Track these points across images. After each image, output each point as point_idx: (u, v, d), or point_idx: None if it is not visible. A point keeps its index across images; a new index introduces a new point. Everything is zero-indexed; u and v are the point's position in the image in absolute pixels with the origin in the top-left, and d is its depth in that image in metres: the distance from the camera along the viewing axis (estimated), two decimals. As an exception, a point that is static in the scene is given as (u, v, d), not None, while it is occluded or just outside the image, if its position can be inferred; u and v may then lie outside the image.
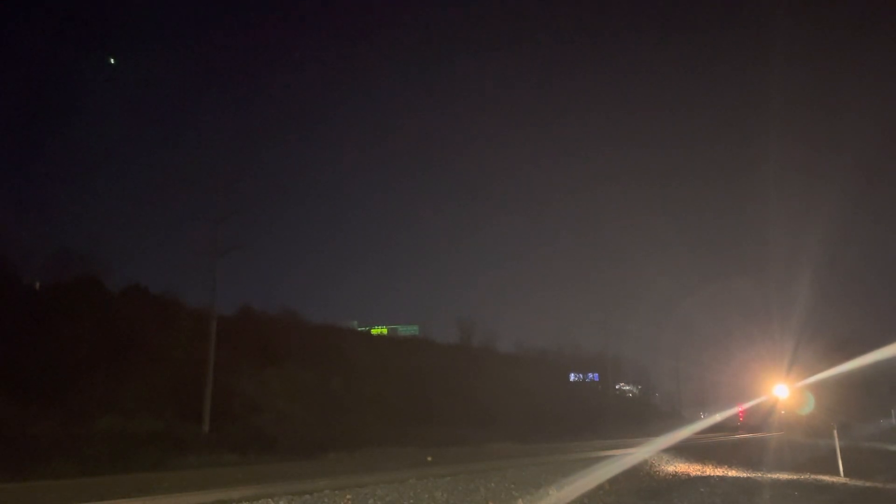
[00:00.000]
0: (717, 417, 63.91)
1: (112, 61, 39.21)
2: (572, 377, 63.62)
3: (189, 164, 50.98)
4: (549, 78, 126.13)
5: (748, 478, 16.85)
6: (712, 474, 17.12)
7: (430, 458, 19.28)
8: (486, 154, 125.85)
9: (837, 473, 18.66)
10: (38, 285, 28.38)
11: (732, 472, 17.87)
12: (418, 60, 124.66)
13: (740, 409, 65.34)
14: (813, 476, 17.54)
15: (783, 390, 40.63)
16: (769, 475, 17.51)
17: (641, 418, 56.22)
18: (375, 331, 65.79)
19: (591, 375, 65.43)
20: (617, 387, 70.98)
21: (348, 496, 9.25)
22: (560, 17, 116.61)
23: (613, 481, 13.70)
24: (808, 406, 42.23)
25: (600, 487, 12.76)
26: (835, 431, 20.90)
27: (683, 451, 21.15)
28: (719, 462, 20.04)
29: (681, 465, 18.31)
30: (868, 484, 16.63)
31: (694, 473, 16.93)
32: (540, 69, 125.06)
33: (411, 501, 9.82)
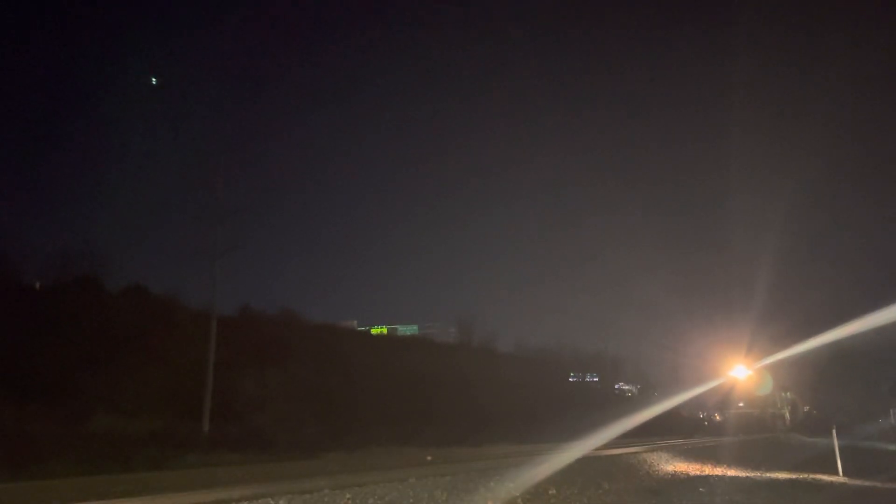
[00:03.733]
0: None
1: (154, 81, 39.36)
2: (572, 377, 63.59)
3: (189, 164, 51.02)
4: (549, 78, 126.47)
5: (747, 477, 16.87)
6: (711, 473, 17.14)
7: (429, 458, 19.30)
8: (485, 154, 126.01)
9: (836, 473, 18.68)
10: (38, 285, 28.39)
11: (731, 472, 17.89)
12: (418, 60, 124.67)
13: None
14: (812, 475, 17.56)
15: (742, 371, 39.05)
16: (768, 474, 17.54)
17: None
18: (375, 331, 65.87)
19: (589, 376, 65.39)
20: (616, 386, 70.93)
21: (348, 496, 9.27)
22: (542, 16, 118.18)
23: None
24: (766, 387, 41.00)
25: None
26: (833, 431, 20.91)
27: (683, 450, 21.16)
28: (718, 461, 20.06)
29: (680, 464, 18.33)
30: (867, 483, 16.66)
31: (693, 473, 16.94)
32: (538, 68, 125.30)
33: (411, 501, 9.84)
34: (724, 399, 45.07)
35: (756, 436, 37.32)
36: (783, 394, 54.87)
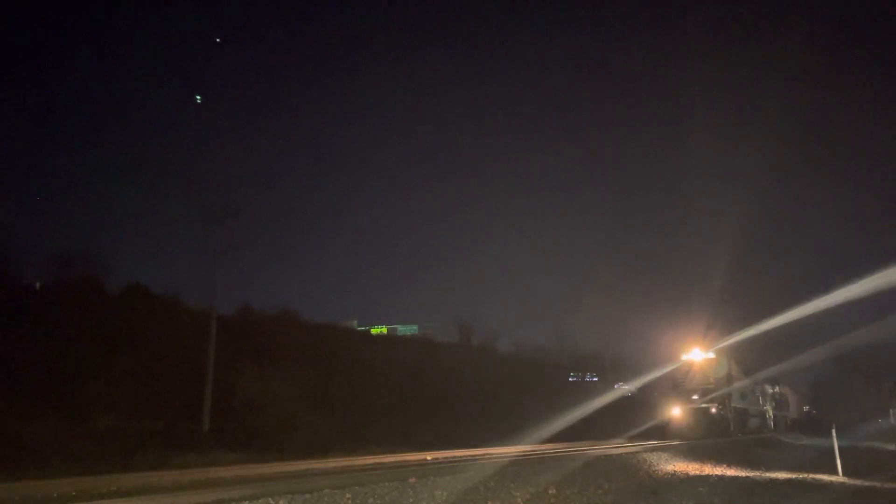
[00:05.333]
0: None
1: (198, 99, 39.72)
2: (571, 378, 63.48)
3: (189, 164, 51.15)
4: (545, 82, 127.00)
5: (747, 477, 16.87)
6: (711, 473, 17.13)
7: (429, 458, 19.31)
8: (484, 153, 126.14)
9: (836, 473, 18.69)
10: (38, 285, 28.43)
11: (731, 472, 17.89)
12: (418, 60, 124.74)
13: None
14: (811, 475, 17.57)
15: (698, 354, 32.82)
16: (767, 474, 17.54)
17: (637, 417, 55.84)
18: (375, 330, 65.88)
19: (588, 376, 65.30)
20: (616, 386, 70.78)
21: (348, 496, 9.27)
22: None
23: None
24: (721, 369, 32.88)
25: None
26: (833, 431, 20.93)
27: (683, 450, 21.17)
28: (719, 461, 20.06)
29: (680, 464, 18.33)
30: (867, 483, 16.66)
31: (693, 472, 16.95)
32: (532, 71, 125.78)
33: (411, 501, 9.85)
34: (675, 391, 33.38)
35: (717, 439, 28.03)
36: (770, 389, 44.48)
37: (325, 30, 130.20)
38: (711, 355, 33.43)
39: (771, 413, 43.12)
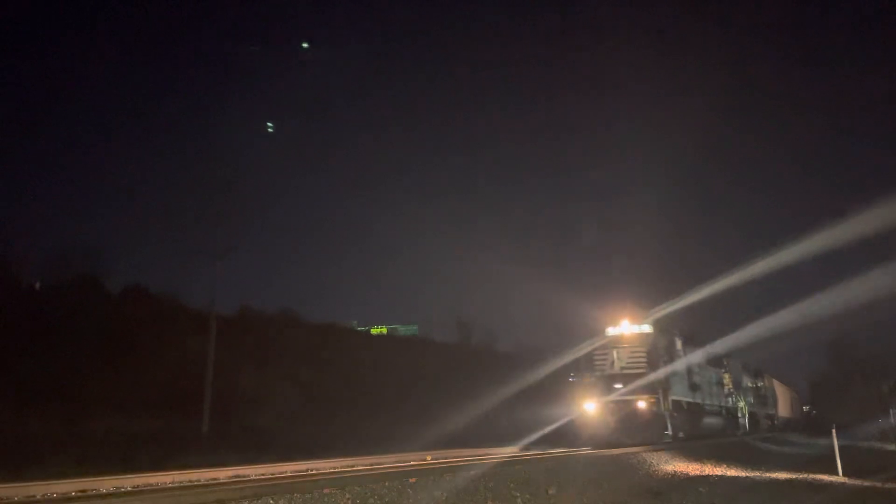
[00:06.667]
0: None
1: (270, 128, 39.47)
2: (571, 378, 63.18)
3: (189, 164, 51.17)
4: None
5: (747, 477, 16.89)
6: (711, 473, 17.15)
7: (429, 458, 19.30)
8: (483, 153, 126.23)
9: (836, 473, 18.69)
10: (38, 285, 28.44)
11: (732, 472, 17.90)
12: (417, 60, 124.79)
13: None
14: (811, 475, 17.58)
15: (627, 327, 24.00)
16: (768, 474, 17.56)
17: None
18: (375, 331, 65.77)
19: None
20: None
21: (348, 496, 9.28)
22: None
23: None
24: (658, 347, 23.85)
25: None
26: (833, 431, 20.92)
27: (683, 450, 21.17)
28: (719, 461, 20.07)
29: (680, 464, 18.34)
30: (867, 483, 16.67)
31: (693, 473, 16.95)
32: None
33: (411, 501, 9.85)
34: (589, 379, 24.26)
35: (641, 447, 20.75)
36: (749, 380, 36.96)
37: (325, 30, 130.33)
38: (646, 328, 24.38)
39: (746, 410, 34.80)
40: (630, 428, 23.12)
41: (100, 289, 28.62)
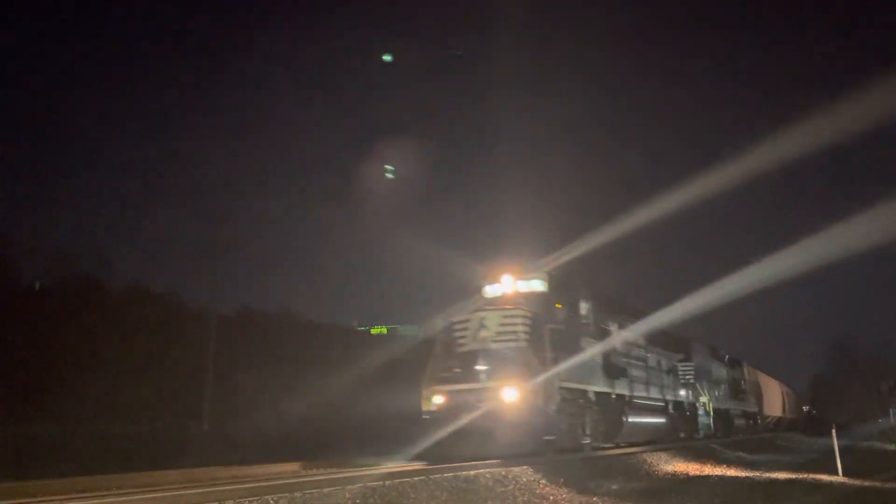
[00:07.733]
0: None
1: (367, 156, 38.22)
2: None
3: (189, 164, 51.14)
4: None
5: (747, 477, 16.90)
6: (711, 473, 17.16)
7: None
8: (482, 151, 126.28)
9: (836, 473, 18.69)
10: (38, 285, 28.46)
11: (731, 472, 17.91)
12: (418, 61, 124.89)
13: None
14: (811, 475, 17.58)
15: (508, 284, 16.23)
16: (768, 474, 17.56)
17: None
18: (375, 331, 65.84)
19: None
20: None
21: (348, 495, 9.28)
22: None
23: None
24: (546, 311, 15.71)
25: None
26: (833, 431, 20.92)
27: (683, 450, 21.16)
28: (719, 461, 20.08)
29: (680, 464, 18.34)
30: (867, 483, 16.67)
31: (693, 472, 16.97)
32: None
33: (412, 501, 9.85)
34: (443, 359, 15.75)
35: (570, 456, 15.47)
36: (719, 367, 29.15)
37: (325, 29, 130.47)
38: (537, 285, 16.43)
39: (710, 407, 26.71)
40: (491, 430, 14.33)
41: (100, 289, 28.64)
